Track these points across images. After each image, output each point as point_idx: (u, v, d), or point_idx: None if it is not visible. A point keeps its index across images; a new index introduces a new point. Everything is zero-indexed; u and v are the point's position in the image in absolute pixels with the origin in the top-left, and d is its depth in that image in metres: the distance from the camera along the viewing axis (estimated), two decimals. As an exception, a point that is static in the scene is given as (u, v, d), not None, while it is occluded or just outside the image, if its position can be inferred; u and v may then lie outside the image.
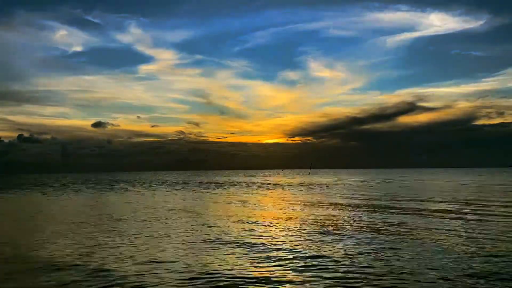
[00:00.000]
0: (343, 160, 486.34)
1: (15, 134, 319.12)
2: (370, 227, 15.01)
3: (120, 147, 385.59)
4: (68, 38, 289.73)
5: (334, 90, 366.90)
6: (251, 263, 9.83)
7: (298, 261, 9.91)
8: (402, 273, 8.66)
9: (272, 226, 15.96)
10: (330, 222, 16.53)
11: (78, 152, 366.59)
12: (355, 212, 20.46)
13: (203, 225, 16.44)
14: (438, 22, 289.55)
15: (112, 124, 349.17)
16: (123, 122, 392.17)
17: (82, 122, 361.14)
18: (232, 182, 70.77)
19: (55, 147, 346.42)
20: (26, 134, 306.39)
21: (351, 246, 11.62)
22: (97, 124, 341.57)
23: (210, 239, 13.11)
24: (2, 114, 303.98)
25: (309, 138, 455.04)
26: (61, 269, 9.51)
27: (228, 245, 12.07)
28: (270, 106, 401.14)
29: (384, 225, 15.58)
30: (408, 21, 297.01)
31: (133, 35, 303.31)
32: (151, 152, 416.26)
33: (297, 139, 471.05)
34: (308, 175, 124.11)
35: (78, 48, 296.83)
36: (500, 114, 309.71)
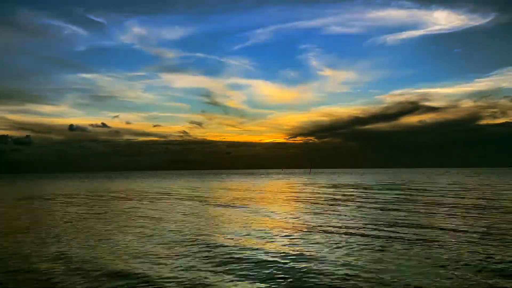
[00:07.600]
0: (344, 160, 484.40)
1: (15, 133, 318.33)
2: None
3: (122, 147, 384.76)
4: (70, 37, 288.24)
5: (335, 89, 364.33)
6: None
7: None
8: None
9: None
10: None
11: (79, 152, 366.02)
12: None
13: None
14: (443, 20, 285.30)
15: (114, 124, 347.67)
16: (125, 122, 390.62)
17: (83, 121, 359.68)
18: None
19: (56, 146, 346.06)
20: (27, 133, 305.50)
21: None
22: (98, 124, 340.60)
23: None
24: (4, 113, 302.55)
25: (310, 138, 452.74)
26: None
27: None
28: (271, 105, 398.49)
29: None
30: (411, 18, 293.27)
31: (135, 34, 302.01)
32: (153, 151, 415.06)
33: (299, 139, 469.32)
34: (309, 174, 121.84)
35: (80, 47, 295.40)
36: (505, 113, 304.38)
